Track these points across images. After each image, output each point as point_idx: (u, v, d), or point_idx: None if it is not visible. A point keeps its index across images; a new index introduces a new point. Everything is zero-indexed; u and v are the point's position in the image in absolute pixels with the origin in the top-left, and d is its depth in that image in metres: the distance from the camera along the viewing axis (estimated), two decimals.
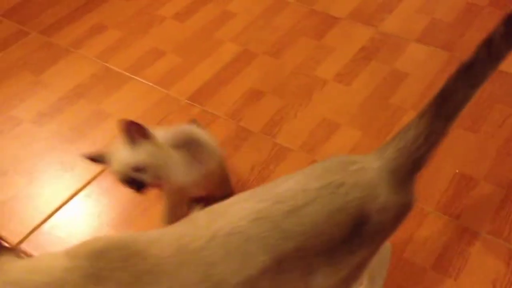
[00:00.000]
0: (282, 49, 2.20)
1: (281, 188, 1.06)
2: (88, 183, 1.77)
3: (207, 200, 1.53)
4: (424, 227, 1.59)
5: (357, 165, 1.08)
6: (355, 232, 1.05)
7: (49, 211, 1.70)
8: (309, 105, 1.97)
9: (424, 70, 2.06)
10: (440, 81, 1.06)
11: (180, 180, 1.43)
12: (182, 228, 1.06)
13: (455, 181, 1.70)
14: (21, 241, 1.62)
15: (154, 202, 1.65)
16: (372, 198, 1.05)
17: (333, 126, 1.89)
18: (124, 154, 1.33)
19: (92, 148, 1.86)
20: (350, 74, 2.08)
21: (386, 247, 1.35)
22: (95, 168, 1.80)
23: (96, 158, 1.38)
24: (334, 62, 2.13)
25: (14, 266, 1.01)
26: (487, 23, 2.24)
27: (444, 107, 1.06)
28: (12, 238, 1.63)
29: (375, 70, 2.09)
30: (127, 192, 1.38)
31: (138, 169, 1.33)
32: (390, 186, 1.07)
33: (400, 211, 1.10)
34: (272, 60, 2.16)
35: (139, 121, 1.32)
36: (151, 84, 2.08)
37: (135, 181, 1.34)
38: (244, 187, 1.72)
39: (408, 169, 1.09)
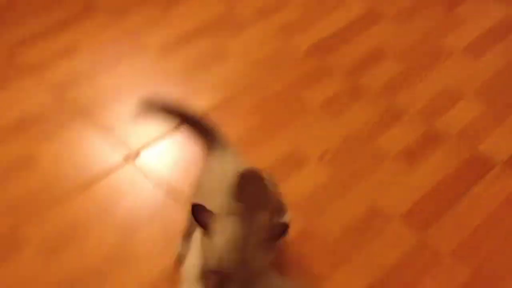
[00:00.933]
0: (410, 14, 2.12)
1: None
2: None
3: None
4: None
5: None
6: None
7: (163, 131, 1.77)
8: (432, 73, 1.89)
9: None
10: None
11: None
12: None
13: None
14: (142, 147, 1.70)
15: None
16: None
17: (455, 97, 1.81)
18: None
19: (207, 82, 1.89)
20: (480, 47, 1.98)
21: None
22: (209, 104, 1.83)
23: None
24: (465, 34, 2.03)
25: None
26: None
27: None
28: (134, 145, 1.72)
29: (509, 46, 1.97)
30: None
31: None
32: None
33: None
34: (399, 24, 2.08)
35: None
36: (273, 31, 2.08)
37: None
38: (355, 141, 1.70)
39: None
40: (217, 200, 1.16)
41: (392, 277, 1.40)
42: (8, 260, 1.46)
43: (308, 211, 1.54)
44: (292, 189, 1.59)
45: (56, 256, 1.46)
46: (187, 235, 1.40)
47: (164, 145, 1.73)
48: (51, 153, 1.70)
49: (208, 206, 1.16)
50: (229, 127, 1.71)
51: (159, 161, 1.68)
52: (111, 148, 1.71)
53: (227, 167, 1.24)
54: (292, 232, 1.49)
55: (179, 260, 1.42)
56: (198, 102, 1.83)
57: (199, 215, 1.04)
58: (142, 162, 1.68)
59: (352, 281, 1.39)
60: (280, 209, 1.47)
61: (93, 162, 1.68)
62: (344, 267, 1.42)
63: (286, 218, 1.48)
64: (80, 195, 1.60)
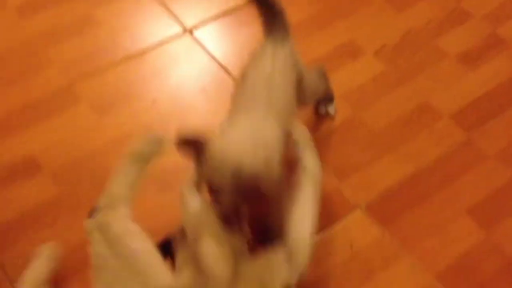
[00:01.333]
0: None
1: None
2: None
3: None
4: None
5: None
6: None
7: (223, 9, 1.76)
8: None
9: None
10: None
11: None
12: None
13: None
14: (194, 26, 1.71)
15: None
16: None
17: None
18: None
19: None
20: None
21: None
22: None
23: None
24: None
25: None
26: None
27: None
28: (187, 22, 1.73)
29: None
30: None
31: None
32: None
33: None
34: None
35: None
36: None
37: None
38: (415, 38, 1.67)
39: None
40: (258, 97, 1.11)
41: (432, 170, 1.41)
42: (64, 112, 1.53)
43: (357, 102, 1.55)
44: (344, 80, 1.58)
45: (109, 113, 1.52)
46: None
47: (222, 23, 1.73)
48: (110, 17, 1.73)
49: (247, 99, 1.12)
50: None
51: (216, 37, 1.69)
52: (170, 19, 1.73)
53: (280, 64, 1.16)
54: (337, 121, 1.50)
55: None
56: None
57: (186, 147, 0.95)
58: (200, 36, 1.69)
59: (392, 171, 1.41)
60: (328, 97, 1.48)
61: (151, 30, 1.70)
62: (385, 158, 1.44)
63: (333, 107, 1.49)
64: (136, 59, 1.63)
